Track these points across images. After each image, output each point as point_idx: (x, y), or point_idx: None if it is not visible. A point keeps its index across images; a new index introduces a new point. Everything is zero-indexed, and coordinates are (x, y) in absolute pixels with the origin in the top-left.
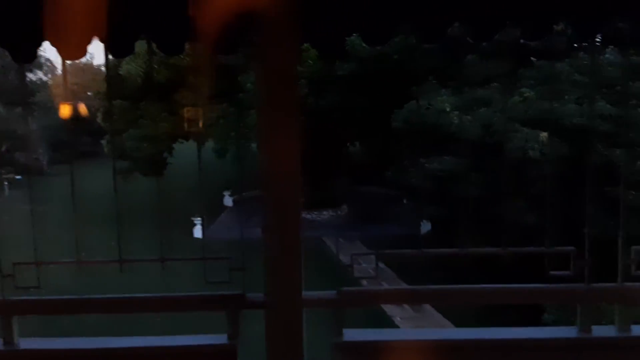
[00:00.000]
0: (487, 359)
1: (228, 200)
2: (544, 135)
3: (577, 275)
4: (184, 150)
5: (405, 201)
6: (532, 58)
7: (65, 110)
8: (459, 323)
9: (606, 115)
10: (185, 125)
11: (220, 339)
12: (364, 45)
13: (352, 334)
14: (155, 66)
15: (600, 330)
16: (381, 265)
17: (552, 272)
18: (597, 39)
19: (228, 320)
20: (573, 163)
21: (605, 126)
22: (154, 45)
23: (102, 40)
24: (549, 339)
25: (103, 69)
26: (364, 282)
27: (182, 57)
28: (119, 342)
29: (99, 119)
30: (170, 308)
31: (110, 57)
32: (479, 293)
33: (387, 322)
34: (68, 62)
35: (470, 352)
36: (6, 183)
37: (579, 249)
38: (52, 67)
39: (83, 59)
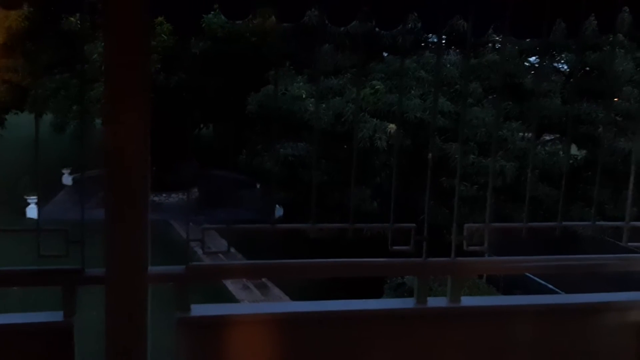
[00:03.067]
0: (329, 330)
1: (67, 179)
2: (391, 126)
3: (416, 250)
4: (18, 122)
5: (258, 186)
6: (383, 53)
7: None
8: None
9: (445, 111)
10: (20, 94)
11: (55, 316)
12: (221, 25)
13: (198, 310)
14: None
15: (434, 302)
16: (232, 250)
17: (394, 247)
18: (442, 39)
19: (64, 296)
20: (414, 154)
21: (444, 122)
22: None
23: None
24: (388, 309)
25: None
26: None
27: (19, 20)
28: None
29: None
30: (2, 283)
31: None
32: (326, 266)
33: None
34: None
35: (314, 323)
36: None
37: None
38: None
39: None
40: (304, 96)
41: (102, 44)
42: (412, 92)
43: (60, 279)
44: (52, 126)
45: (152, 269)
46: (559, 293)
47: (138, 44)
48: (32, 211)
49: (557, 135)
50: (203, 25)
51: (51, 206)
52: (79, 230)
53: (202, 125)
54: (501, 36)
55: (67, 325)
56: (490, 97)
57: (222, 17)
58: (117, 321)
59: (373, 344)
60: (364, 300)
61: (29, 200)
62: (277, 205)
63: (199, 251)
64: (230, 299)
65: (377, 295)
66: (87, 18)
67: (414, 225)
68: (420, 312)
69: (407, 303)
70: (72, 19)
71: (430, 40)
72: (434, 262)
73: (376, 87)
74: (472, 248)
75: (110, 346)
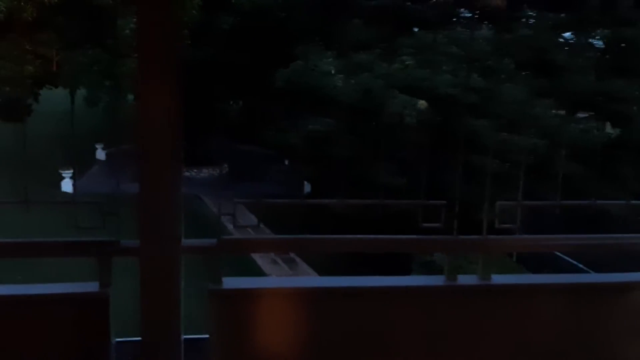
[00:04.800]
0: (357, 305)
1: (101, 154)
2: (422, 102)
3: (447, 227)
4: (52, 97)
5: (286, 162)
6: (413, 28)
7: None
8: None
9: (476, 87)
10: (53, 69)
11: (91, 286)
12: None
13: (229, 282)
14: (21, 3)
15: (465, 279)
16: (261, 225)
17: (424, 224)
18: (475, 14)
19: (100, 267)
20: (444, 130)
21: (475, 98)
22: None
23: None
24: (417, 286)
25: None
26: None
27: None
28: None
29: None
30: (40, 253)
31: None
32: (355, 242)
33: None
34: None
35: (343, 298)
36: None
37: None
38: None
39: None
40: (332, 72)
41: (134, 19)
42: (443, 67)
43: (96, 250)
44: (85, 101)
45: (185, 242)
46: (589, 272)
47: (169, 19)
48: (67, 185)
49: (591, 113)
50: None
51: (85, 180)
52: (112, 203)
53: (231, 101)
54: (535, 11)
55: (102, 296)
56: (522, 73)
57: None
58: (151, 292)
59: (401, 321)
60: (392, 276)
61: (63, 174)
62: (304, 182)
63: (229, 225)
64: (258, 272)
65: (405, 272)
66: None
67: (444, 202)
68: (451, 290)
69: (437, 280)
70: None
71: (462, 14)
72: (465, 240)
73: (406, 62)
74: (503, 226)
75: (145, 316)
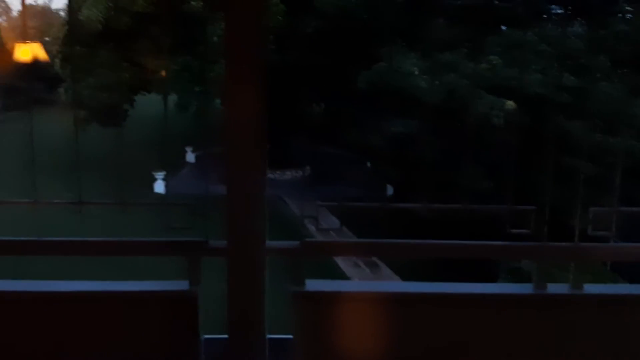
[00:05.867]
0: (444, 312)
1: (191, 156)
2: (510, 103)
3: (536, 233)
4: (145, 102)
5: (368, 164)
6: (501, 26)
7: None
8: None
9: (569, 87)
10: (147, 76)
11: (181, 284)
12: (332, 1)
13: (312, 285)
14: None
15: (555, 288)
16: (343, 228)
17: (512, 230)
18: (568, 9)
19: (189, 266)
20: (533, 132)
21: (567, 97)
22: None
23: None
24: (505, 294)
25: (62, 13)
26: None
27: (145, 4)
28: (72, 286)
29: (56, 66)
30: (133, 252)
31: None
32: (439, 247)
33: None
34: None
35: (428, 304)
36: None
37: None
38: (7, 8)
39: (40, 1)
40: (416, 72)
41: (222, 26)
42: (533, 67)
43: (187, 249)
44: (176, 106)
45: (269, 243)
46: None
47: (255, 26)
48: (159, 186)
49: None
50: (315, 3)
51: (175, 181)
52: (201, 204)
53: (314, 104)
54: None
55: (192, 294)
56: (619, 70)
57: None
58: (237, 291)
59: (487, 330)
60: (478, 283)
61: (156, 176)
62: (387, 184)
63: (312, 227)
64: (340, 275)
65: (491, 279)
66: (208, 1)
67: (534, 207)
68: (540, 299)
69: (525, 288)
70: (193, 2)
71: (553, 10)
72: (555, 247)
73: (493, 61)
74: (597, 233)
75: (231, 314)
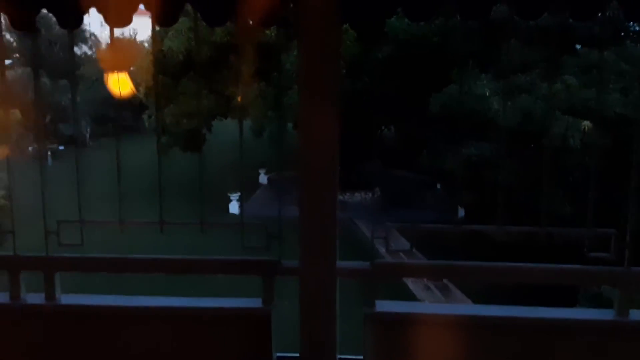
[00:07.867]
0: (517, 337)
1: (263, 179)
2: (586, 124)
3: (617, 258)
4: (221, 127)
5: (439, 186)
6: (576, 45)
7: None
8: None
9: None
10: (224, 102)
11: (255, 302)
12: (404, 28)
13: (384, 306)
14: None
15: (637, 315)
16: (413, 250)
17: (591, 254)
18: None
19: (264, 285)
20: (613, 154)
21: None
22: (198, 16)
23: (148, 8)
24: (585, 320)
25: (146, 44)
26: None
27: (223, 35)
28: (155, 301)
29: (140, 94)
30: (211, 270)
31: (157, 27)
32: (514, 271)
33: None
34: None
35: (501, 329)
36: (49, 153)
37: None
38: (97, 42)
39: (127, 33)
40: (487, 94)
41: (295, 54)
42: (611, 86)
43: (261, 269)
44: (250, 130)
45: (340, 264)
46: None
47: (329, 53)
48: (233, 207)
49: None
50: (385, 30)
51: (249, 203)
52: (274, 225)
53: (384, 127)
54: None
55: (266, 312)
56: None
57: (405, 19)
58: (309, 310)
59: (565, 357)
60: (556, 308)
61: (231, 197)
62: (458, 206)
63: (382, 249)
64: (411, 297)
65: (570, 305)
66: (282, 30)
67: (614, 230)
68: (621, 326)
69: (605, 314)
70: (268, 32)
71: (631, 28)
72: (637, 272)
73: (568, 82)
74: None
75: (303, 333)
